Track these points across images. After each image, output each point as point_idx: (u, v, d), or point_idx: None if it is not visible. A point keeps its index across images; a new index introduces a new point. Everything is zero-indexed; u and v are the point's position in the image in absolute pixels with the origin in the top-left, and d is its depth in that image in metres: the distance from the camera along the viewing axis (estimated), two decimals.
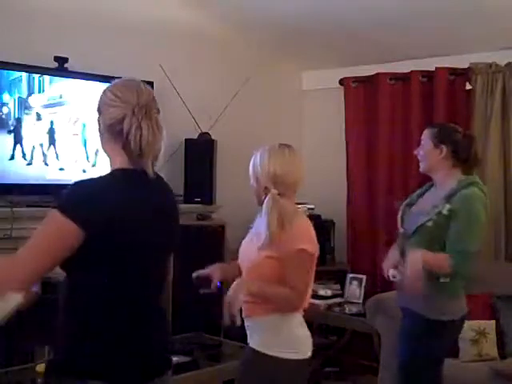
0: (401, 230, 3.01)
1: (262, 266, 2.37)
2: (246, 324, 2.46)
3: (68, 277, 1.80)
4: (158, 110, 1.84)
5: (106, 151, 1.86)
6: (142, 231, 1.77)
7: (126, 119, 1.74)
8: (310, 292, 2.45)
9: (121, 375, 1.76)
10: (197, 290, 2.56)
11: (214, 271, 2.53)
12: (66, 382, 1.74)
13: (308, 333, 2.45)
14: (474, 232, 2.78)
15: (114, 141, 1.79)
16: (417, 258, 2.70)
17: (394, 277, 2.91)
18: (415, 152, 3.04)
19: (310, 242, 2.37)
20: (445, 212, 2.78)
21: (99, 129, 1.85)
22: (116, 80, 1.87)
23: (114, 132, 1.77)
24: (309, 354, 2.41)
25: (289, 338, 2.38)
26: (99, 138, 1.87)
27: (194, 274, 2.53)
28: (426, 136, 2.97)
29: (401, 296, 3.00)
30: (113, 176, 1.80)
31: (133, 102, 1.76)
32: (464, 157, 2.90)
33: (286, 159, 2.41)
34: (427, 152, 2.95)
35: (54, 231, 1.69)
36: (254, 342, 2.42)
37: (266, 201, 2.38)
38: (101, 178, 1.79)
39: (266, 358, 2.36)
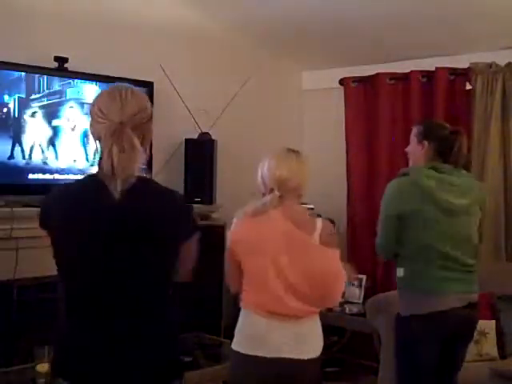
0: None
1: None
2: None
3: None
4: (145, 120, 1.85)
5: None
6: (92, 236, 1.79)
7: (102, 141, 1.78)
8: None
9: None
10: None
11: None
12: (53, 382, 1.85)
13: None
14: (380, 223, 2.95)
15: (100, 154, 1.83)
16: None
17: None
18: (405, 150, 3.10)
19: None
20: None
21: (93, 137, 1.90)
22: (103, 91, 1.90)
23: (100, 146, 1.82)
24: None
25: None
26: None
27: None
28: (412, 134, 3.02)
29: None
30: (80, 181, 1.95)
31: (114, 119, 1.77)
32: (447, 153, 2.89)
33: (293, 164, 2.48)
34: (411, 149, 3.02)
35: None
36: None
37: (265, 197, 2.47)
38: (70, 183, 1.96)
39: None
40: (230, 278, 2.59)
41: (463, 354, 2.98)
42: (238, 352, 2.45)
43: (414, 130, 3.02)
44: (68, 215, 1.79)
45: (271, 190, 2.45)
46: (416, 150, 2.97)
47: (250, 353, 2.41)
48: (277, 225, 2.41)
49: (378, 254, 3.10)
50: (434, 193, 2.78)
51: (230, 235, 2.53)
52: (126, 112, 1.79)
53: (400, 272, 2.88)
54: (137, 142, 1.77)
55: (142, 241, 1.79)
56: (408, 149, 3.05)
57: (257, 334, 2.42)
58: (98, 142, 1.84)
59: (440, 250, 2.79)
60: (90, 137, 1.90)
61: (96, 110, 1.82)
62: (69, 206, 1.81)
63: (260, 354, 2.39)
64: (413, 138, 3.00)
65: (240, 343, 2.46)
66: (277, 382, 2.41)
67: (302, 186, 2.52)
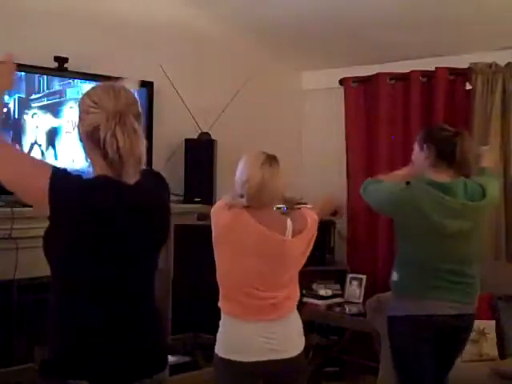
0: None
1: None
2: None
3: (51, 275, 1.87)
4: (138, 113, 1.83)
5: (88, 158, 1.85)
6: (119, 231, 1.77)
7: (101, 127, 1.73)
8: None
9: (97, 374, 1.78)
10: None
11: None
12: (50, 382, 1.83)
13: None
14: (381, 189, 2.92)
15: (94, 149, 1.78)
16: None
17: None
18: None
19: None
20: None
21: (80, 137, 1.84)
22: (94, 86, 1.88)
23: (94, 140, 1.76)
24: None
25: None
26: (81, 146, 1.86)
27: None
28: (415, 141, 2.93)
29: None
30: (97, 180, 1.80)
31: (109, 108, 1.75)
32: (449, 155, 2.77)
33: (263, 173, 2.45)
34: (414, 156, 2.93)
35: (33, 167, 1.77)
36: None
37: None
38: (89, 179, 1.81)
39: None
40: None
41: (453, 358, 2.95)
42: None
43: (417, 138, 2.93)
44: (93, 209, 1.73)
45: (241, 197, 2.49)
46: (418, 157, 2.88)
47: None
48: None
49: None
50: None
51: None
52: (119, 102, 1.77)
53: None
54: (137, 126, 1.77)
55: (153, 227, 1.86)
56: (412, 157, 2.95)
57: None
58: (88, 137, 1.78)
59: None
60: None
61: (88, 101, 1.79)
62: (90, 200, 1.73)
63: None
64: (415, 146, 2.91)
65: None
66: None
67: (275, 196, 2.52)
